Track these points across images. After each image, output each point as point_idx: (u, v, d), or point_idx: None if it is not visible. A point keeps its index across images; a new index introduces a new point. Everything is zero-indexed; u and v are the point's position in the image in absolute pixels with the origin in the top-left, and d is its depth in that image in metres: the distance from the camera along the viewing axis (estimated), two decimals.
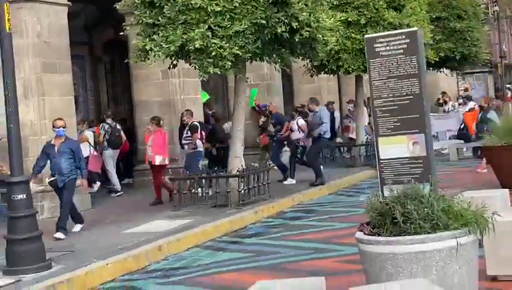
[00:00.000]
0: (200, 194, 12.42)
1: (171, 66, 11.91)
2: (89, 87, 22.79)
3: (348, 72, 16.39)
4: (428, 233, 5.21)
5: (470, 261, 5.36)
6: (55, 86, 12.71)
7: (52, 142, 10.50)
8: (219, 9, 10.44)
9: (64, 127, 10.42)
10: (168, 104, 16.04)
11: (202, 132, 14.00)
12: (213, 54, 10.45)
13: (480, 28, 22.31)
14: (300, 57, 12.63)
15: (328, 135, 15.99)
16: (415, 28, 6.31)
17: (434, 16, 20.92)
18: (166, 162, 13.17)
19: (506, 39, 67.14)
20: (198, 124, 13.97)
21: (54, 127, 10.58)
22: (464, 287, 5.31)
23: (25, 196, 7.81)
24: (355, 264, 6.51)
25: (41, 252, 8.00)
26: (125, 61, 12.68)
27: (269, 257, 8.40)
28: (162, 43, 10.68)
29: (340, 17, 13.05)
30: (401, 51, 5.60)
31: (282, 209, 12.15)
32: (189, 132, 13.73)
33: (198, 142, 13.64)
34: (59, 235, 9.98)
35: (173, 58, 11.33)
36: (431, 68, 22.21)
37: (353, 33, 16.05)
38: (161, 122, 13.59)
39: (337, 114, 21.25)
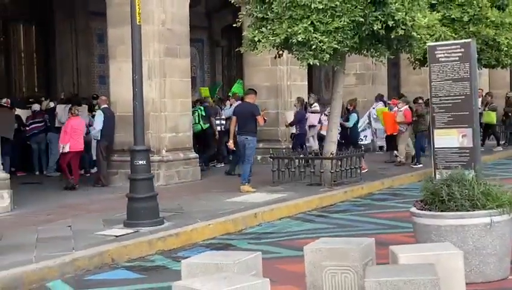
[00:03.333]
0: (297, 173, 13.73)
1: (277, 56, 13.20)
2: (206, 69, 24.53)
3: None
4: (467, 211, 6.27)
5: (502, 236, 6.38)
6: (175, 69, 14.32)
7: None
8: (321, 6, 11.58)
9: None
10: (276, 89, 17.41)
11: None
12: (313, 47, 11.63)
13: None
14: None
15: None
16: (469, 40, 7.26)
17: None
18: (66, 149, 13.69)
19: None
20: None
21: None
22: (495, 258, 6.34)
23: (144, 162, 9.36)
24: None
25: (155, 210, 9.53)
26: (236, 50, 14.07)
27: (348, 229, 9.58)
28: (269, 35, 11.96)
29: (438, 16, 13.79)
30: (457, 58, 6.63)
31: (372, 191, 13.24)
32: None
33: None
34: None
35: (278, 48, 12.60)
36: None
37: (456, 29, 16.70)
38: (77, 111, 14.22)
39: None
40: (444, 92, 6.55)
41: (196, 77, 23.64)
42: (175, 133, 14.33)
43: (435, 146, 6.67)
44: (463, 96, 6.46)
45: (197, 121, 16.39)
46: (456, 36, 16.43)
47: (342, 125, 15.61)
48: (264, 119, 14.00)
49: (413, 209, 6.67)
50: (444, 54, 6.55)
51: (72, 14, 20.33)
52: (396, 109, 17.25)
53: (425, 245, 5.79)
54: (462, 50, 6.47)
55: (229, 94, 18.29)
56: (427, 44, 6.71)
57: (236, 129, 13.33)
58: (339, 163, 13.29)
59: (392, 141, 17.48)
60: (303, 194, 12.14)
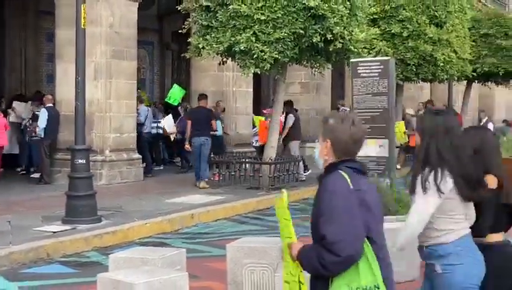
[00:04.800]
0: (237, 176, 14.18)
1: (221, 63, 13.64)
2: (156, 71, 24.80)
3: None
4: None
5: (413, 241, 6.90)
6: (122, 71, 14.62)
7: None
8: (263, 18, 12.06)
9: None
10: (221, 94, 17.82)
11: None
12: (255, 56, 12.10)
13: None
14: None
15: None
16: (388, 58, 7.83)
17: (482, 32, 21.98)
18: None
19: None
20: None
21: None
22: (405, 261, 6.86)
23: (84, 161, 9.68)
24: None
25: (93, 208, 9.85)
26: (182, 55, 14.47)
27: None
28: (213, 43, 12.40)
29: (376, 31, 14.41)
30: (377, 74, 7.17)
31: (308, 196, 13.73)
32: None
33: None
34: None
35: (222, 56, 13.04)
36: (476, 81, 23.32)
37: (396, 44, 17.38)
38: None
39: None
40: (364, 105, 7.09)
41: (145, 79, 23.93)
42: (119, 134, 14.63)
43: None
44: (381, 110, 7.01)
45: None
46: (395, 51, 17.13)
47: None
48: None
49: None
50: (365, 69, 7.09)
51: (23, 11, 20.39)
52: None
53: None
54: (382, 67, 7.01)
55: (166, 99, 18.32)
56: (351, 60, 7.23)
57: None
58: (277, 168, 13.79)
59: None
60: (241, 197, 12.60)
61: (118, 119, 14.57)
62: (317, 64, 13.50)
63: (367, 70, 7.10)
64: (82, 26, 9.60)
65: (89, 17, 11.43)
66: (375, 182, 6.99)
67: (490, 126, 16.40)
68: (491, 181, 4.09)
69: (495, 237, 4.16)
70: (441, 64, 17.28)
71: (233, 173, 14.13)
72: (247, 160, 14.40)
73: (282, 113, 15.37)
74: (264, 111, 18.37)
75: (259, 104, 21.82)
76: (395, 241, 4.11)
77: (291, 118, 16.07)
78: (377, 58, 6.89)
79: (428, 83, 23.95)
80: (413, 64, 17.27)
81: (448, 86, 23.93)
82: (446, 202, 3.83)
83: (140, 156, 15.36)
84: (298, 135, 16.31)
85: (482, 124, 16.24)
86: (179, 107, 18.79)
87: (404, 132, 16.78)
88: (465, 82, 23.53)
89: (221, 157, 14.87)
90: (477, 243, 4.00)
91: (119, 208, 11.12)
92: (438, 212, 3.85)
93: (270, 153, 13.77)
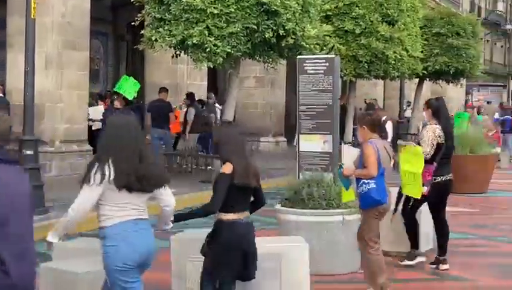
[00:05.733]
0: (189, 170, 14.25)
1: (174, 55, 13.64)
2: (110, 63, 24.65)
3: (340, 75, 17.90)
4: (323, 209, 6.95)
5: (354, 233, 7.08)
6: (73, 61, 14.53)
7: None
8: (216, 12, 12.09)
9: None
10: (175, 87, 17.83)
11: None
12: (208, 50, 12.14)
13: (477, 46, 23.66)
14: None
15: None
16: (333, 56, 7.98)
17: (434, 31, 22.37)
18: None
19: None
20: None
21: None
22: (347, 253, 7.05)
23: (32, 152, 9.63)
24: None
25: (41, 199, 9.81)
26: (135, 47, 14.43)
27: None
28: (166, 36, 12.39)
29: (328, 28, 14.58)
30: (322, 71, 7.30)
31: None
32: None
33: None
34: None
35: (175, 49, 13.04)
36: (428, 78, 23.73)
37: (349, 41, 17.58)
38: None
39: None
40: (310, 101, 7.22)
41: (99, 70, 23.77)
42: (70, 125, 14.54)
43: (300, 149, 7.34)
44: (326, 106, 7.16)
45: None
46: (347, 47, 17.33)
47: None
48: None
49: (278, 207, 7.30)
50: (311, 66, 7.23)
51: None
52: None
53: (277, 238, 6.43)
54: (327, 64, 7.16)
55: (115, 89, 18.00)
56: (298, 57, 7.36)
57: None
58: None
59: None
60: (191, 190, 12.66)
61: (69, 110, 14.48)
62: (270, 60, 13.59)
63: (313, 67, 7.24)
64: (32, 16, 9.54)
65: (40, 7, 11.34)
66: (319, 176, 7.17)
67: (389, 125, 16.68)
68: (226, 168, 4.97)
69: (228, 216, 5.01)
70: (393, 62, 17.50)
71: (185, 166, 14.18)
72: (200, 153, 14.45)
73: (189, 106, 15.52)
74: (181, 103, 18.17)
75: (216, 98, 21.85)
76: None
77: (191, 112, 16.06)
78: (323, 55, 7.02)
79: (382, 80, 24.29)
80: (365, 62, 17.46)
81: (400, 84, 24.31)
82: (108, 191, 4.37)
83: (91, 148, 15.29)
84: (198, 128, 16.29)
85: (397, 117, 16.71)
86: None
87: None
88: (416, 80, 23.92)
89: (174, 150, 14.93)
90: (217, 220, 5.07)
91: (69, 200, 11.05)
92: (102, 200, 4.42)
93: None
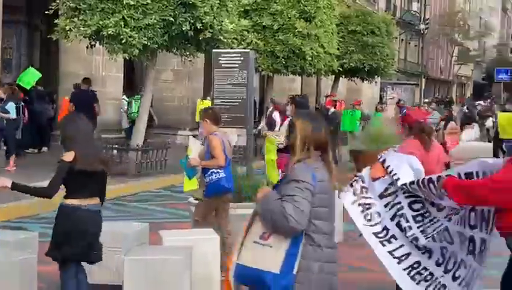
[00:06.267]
0: None
1: (89, 46, 13.42)
2: (23, 52, 23.96)
3: (257, 70, 18.06)
4: (235, 202, 7.00)
5: None
6: None
7: None
8: (133, 3, 12.00)
9: None
10: (90, 78, 17.49)
11: None
12: (123, 41, 12.02)
13: (391, 44, 24.32)
14: None
15: None
16: (248, 50, 8.07)
17: (350, 29, 22.87)
18: None
19: (444, 55, 70.50)
20: None
21: None
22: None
23: None
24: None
25: None
26: (48, 36, 14.11)
27: (141, 217, 10.08)
28: (80, 26, 12.20)
29: (246, 23, 14.70)
30: (237, 65, 7.36)
31: (174, 183, 13.83)
32: None
33: None
34: None
35: (90, 39, 12.84)
36: (343, 75, 24.23)
37: (267, 37, 17.75)
38: None
39: None
40: (225, 95, 7.28)
41: (12, 60, 23.08)
42: None
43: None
44: (240, 100, 7.23)
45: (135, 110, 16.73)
46: (265, 43, 17.51)
47: None
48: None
49: (191, 200, 7.31)
50: (226, 60, 7.28)
51: None
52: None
53: (191, 231, 6.44)
54: (242, 58, 7.23)
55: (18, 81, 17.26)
56: (213, 51, 7.40)
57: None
58: (145, 154, 13.78)
59: None
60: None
61: None
62: (188, 53, 13.58)
63: (228, 61, 7.29)
64: None
65: None
66: (233, 169, 7.21)
67: (276, 115, 17.23)
68: (67, 156, 5.02)
69: (69, 201, 5.14)
70: (309, 58, 17.81)
71: None
72: (114, 146, 14.25)
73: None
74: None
75: (132, 90, 21.58)
76: None
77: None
78: (238, 50, 7.13)
79: (299, 76, 24.60)
80: (282, 57, 17.71)
81: (317, 80, 24.68)
82: None
83: None
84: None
85: (268, 113, 17.21)
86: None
87: None
88: (332, 76, 24.36)
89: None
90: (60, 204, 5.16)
91: None
92: None
93: (138, 139, 13.73)
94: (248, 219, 3.92)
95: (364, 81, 26.09)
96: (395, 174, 5.01)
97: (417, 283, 4.91)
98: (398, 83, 46.88)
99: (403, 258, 4.96)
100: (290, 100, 8.53)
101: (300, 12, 17.81)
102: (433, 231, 4.90)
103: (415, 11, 57.51)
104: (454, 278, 4.89)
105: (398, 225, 5.03)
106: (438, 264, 4.95)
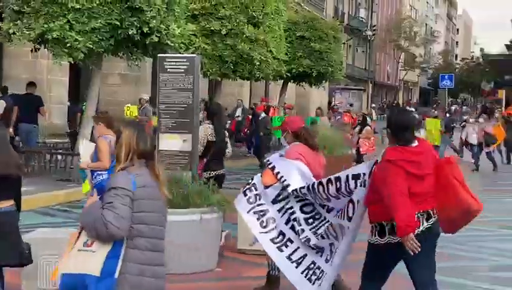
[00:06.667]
0: (48, 168, 13.80)
1: (34, 50, 13.19)
2: None
3: (205, 75, 18.02)
4: (182, 208, 6.96)
5: (212, 232, 7.16)
6: None
7: None
8: (78, 6, 11.83)
9: None
10: (35, 82, 17.21)
11: None
12: (68, 45, 11.84)
13: (338, 50, 24.56)
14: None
15: None
16: (194, 55, 8.04)
17: (298, 35, 23.01)
18: None
19: (391, 61, 71.64)
20: None
21: None
22: (205, 251, 7.10)
23: None
24: None
25: None
26: None
27: None
28: (24, 29, 11.97)
29: (193, 27, 14.65)
30: (183, 70, 7.32)
31: None
32: None
33: None
34: None
35: (35, 43, 12.62)
36: (292, 80, 24.36)
37: (215, 41, 17.71)
38: None
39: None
40: (170, 100, 7.24)
41: None
42: None
43: (160, 148, 7.32)
44: (186, 105, 7.19)
45: None
46: (213, 48, 17.47)
47: None
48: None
49: None
50: (172, 65, 7.24)
51: None
52: None
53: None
54: (188, 63, 7.19)
55: None
56: (158, 55, 7.35)
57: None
58: None
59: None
60: (49, 188, 12.28)
61: None
62: (134, 57, 13.46)
63: (173, 66, 7.25)
64: None
65: None
66: (178, 175, 7.17)
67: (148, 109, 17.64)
68: None
69: None
70: (257, 63, 17.83)
71: (43, 164, 13.73)
72: (59, 151, 14.04)
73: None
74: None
75: (78, 94, 21.31)
76: None
77: (1, 104, 14.10)
78: (184, 54, 7.10)
79: (248, 81, 24.65)
80: (230, 62, 17.69)
81: (265, 85, 24.76)
82: None
83: None
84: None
85: (142, 107, 17.59)
86: None
87: None
88: (281, 81, 24.47)
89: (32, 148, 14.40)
90: None
91: None
92: None
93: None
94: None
95: (313, 86, 26.27)
96: (285, 180, 5.32)
97: (313, 284, 5.28)
98: (346, 88, 47.49)
99: (300, 260, 5.32)
100: (204, 107, 8.79)
101: (248, 18, 17.83)
102: (323, 231, 5.26)
103: (362, 18, 58.31)
104: (334, 267, 5.33)
105: (293, 228, 5.39)
106: (327, 261, 5.34)
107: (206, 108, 8.43)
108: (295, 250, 5.35)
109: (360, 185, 4.93)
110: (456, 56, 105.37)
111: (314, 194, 5.23)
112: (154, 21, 12.26)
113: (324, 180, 5.18)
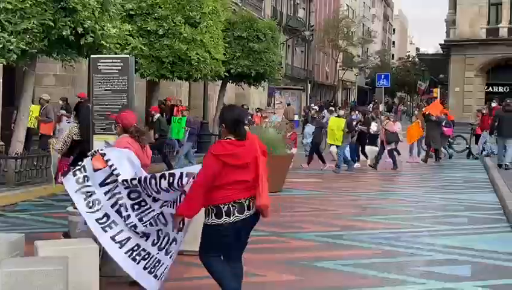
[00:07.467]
0: None
1: None
2: None
3: (143, 76, 17.89)
4: None
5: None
6: None
7: None
8: (10, 7, 11.58)
9: None
10: None
11: None
12: (0, 46, 11.58)
13: (276, 50, 24.70)
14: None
15: None
16: (128, 56, 7.99)
17: (236, 35, 23.06)
18: None
19: (330, 61, 72.39)
20: None
21: None
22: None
23: None
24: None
25: None
26: None
27: (21, 228, 9.75)
28: None
29: (129, 28, 14.52)
30: (117, 71, 7.27)
31: (55, 192, 13.46)
32: None
33: None
34: None
35: None
36: (230, 81, 24.38)
37: (152, 42, 17.60)
38: None
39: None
40: (104, 101, 7.16)
41: None
42: None
43: (96, 150, 7.25)
44: (120, 106, 7.13)
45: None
46: (150, 48, 17.36)
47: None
48: None
49: (69, 209, 7.14)
50: (105, 66, 7.16)
51: None
52: None
53: (68, 241, 6.30)
54: (122, 64, 7.13)
55: None
56: (91, 56, 7.26)
57: None
58: (25, 163, 13.33)
59: None
60: None
61: None
62: (69, 58, 13.26)
63: (107, 67, 7.17)
64: None
65: None
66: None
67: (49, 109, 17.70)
68: None
69: None
70: (195, 63, 17.79)
71: None
72: None
73: None
74: None
75: (12, 97, 20.85)
76: None
77: None
78: (117, 55, 7.04)
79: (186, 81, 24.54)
80: (168, 62, 17.60)
81: (204, 85, 24.73)
82: None
83: None
84: None
85: (43, 108, 17.65)
86: None
87: None
88: (220, 82, 24.46)
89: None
90: None
91: None
92: None
93: (17, 147, 13.28)
94: None
95: (252, 86, 26.36)
96: (116, 169, 5.82)
97: (137, 263, 5.75)
98: (286, 88, 47.82)
99: (124, 242, 5.74)
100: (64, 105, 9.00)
101: (185, 18, 17.79)
102: (150, 219, 5.74)
103: (300, 18, 58.75)
104: (166, 253, 5.88)
105: (118, 212, 5.80)
106: (154, 244, 5.86)
107: (75, 108, 8.66)
108: (119, 232, 5.74)
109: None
110: (393, 56, 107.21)
111: (145, 185, 5.62)
112: (89, 21, 12.11)
113: (158, 175, 5.60)
